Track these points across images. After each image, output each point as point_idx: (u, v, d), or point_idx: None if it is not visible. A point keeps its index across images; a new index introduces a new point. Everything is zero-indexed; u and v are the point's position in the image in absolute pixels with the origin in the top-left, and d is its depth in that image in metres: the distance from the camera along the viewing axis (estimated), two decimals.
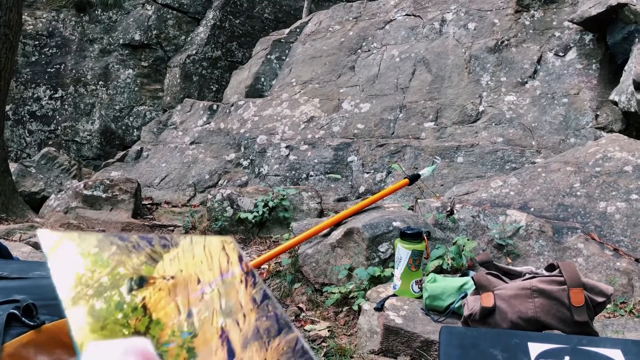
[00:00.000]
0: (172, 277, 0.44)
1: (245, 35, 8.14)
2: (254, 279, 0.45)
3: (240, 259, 0.45)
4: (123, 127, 7.86)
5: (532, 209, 3.46)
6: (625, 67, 4.37)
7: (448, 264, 2.87)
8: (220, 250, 0.45)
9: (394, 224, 3.13)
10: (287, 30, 6.99)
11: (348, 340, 2.64)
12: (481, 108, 4.99)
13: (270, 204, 4.20)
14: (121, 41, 8.03)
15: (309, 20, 6.99)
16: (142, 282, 0.43)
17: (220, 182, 5.42)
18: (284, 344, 0.42)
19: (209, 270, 0.44)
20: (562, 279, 1.78)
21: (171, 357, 0.38)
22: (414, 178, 3.65)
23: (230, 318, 0.41)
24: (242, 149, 5.62)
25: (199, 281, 0.43)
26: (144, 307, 0.39)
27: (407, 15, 6.05)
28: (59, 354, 0.96)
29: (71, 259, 0.39)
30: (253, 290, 0.44)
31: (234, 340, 0.40)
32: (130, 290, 0.42)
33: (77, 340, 0.35)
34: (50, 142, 7.67)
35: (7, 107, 7.28)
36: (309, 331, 2.71)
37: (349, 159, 5.08)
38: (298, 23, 7.12)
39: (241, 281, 0.44)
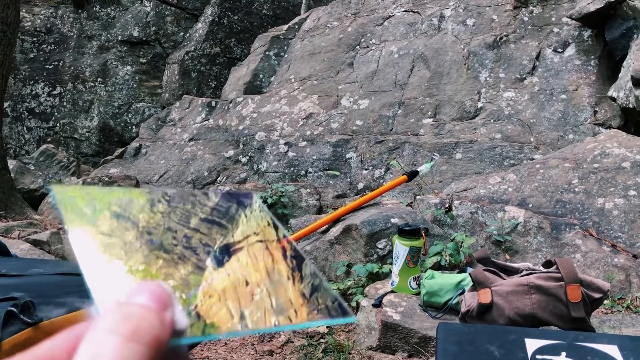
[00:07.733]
0: (256, 233, 0.46)
1: (244, 32, 8.12)
2: (296, 260, 0.45)
3: (284, 249, 0.46)
4: (122, 124, 7.85)
5: (530, 205, 3.47)
6: (624, 63, 4.37)
7: (446, 261, 2.87)
8: (264, 250, 0.46)
9: (392, 220, 3.14)
10: (285, 27, 6.98)
11: (346, 337, 2.65)
12: (480, 104, 4.99)
13: (269, 200, 4.20)
14: (119, 38, 8.01)
15: (308, 16, 6.98)
16: (228, 250, 0.44)
17: (219, 179, 5.42)
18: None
19: (255, 272, 0.44)
20: (559, 275, 1.78)
21: None
22: (412, 174, 3.65)
23: (283, 315, 0.41)
24: (241, 145, 5.61)
25: (247, 283, 0.43)
26: (197, 314, 0.39)
27: (405, 11, 6.05)
28: None
29: (120, 276, 0.40)
30: (301, 284, 0.44)
31: None
32: (220, 263, 0.43)
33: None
34: (48, 139, 7.65)
35: (6, 104, 7.27)
36: (307, 328, 2.71)
37: (348, 155, 5.08)
38: (296, 19, 7.11)
39: (288, 278, 0.44)
